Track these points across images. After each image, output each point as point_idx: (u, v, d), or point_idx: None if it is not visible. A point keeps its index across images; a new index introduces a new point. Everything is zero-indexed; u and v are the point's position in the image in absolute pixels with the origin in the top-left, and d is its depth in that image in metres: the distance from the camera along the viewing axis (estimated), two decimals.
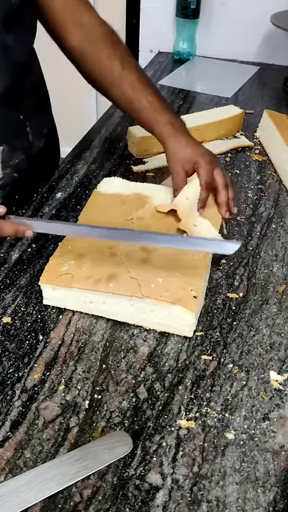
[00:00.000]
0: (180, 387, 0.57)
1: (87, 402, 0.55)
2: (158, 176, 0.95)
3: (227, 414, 0.54)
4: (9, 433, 0.51)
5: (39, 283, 0.64)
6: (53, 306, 0.66)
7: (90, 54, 0.78)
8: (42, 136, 0.84)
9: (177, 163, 0.74)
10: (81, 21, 0.77)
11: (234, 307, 0.67)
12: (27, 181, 0.85)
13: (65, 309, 0.66)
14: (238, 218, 0.84)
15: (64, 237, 0.70)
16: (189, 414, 0.54)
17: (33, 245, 0.76)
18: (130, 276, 0.63)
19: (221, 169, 0.75)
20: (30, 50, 0.79)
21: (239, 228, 0.82)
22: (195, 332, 0.63)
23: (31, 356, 0.59)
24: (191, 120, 1.06)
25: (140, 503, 0.46)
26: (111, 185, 0.82)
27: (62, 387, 0.56)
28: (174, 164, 0.75)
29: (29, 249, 0.75)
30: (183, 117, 1.09)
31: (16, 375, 0.57)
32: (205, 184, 0.72)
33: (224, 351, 0.61)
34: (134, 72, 0.77)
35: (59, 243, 0.69)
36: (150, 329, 0.63)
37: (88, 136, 1.09)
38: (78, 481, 0.47)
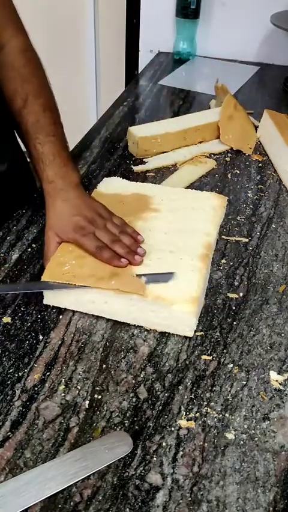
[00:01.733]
0: (180, 387, 0.57)
1: (87, 402, 0.55)
2: (158, 176, 0.95)
3: (227, 414, 0.54)
4: (9, 433, 0.51)
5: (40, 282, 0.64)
6: (53, 306, 0.66)
7: (2, 79, 0.74)
8: (4, 159, 0.81)
9: (50, 230, 0.69)
10: (2, 43, 0.73)
11: (234, 307, 0.67)
12: None
13: (65, 309, 0.66)
14: (238, 218, 0.85)
15: None
16: (189, 414, 0.54)
17: (33, 245, 0.76)
18: (131, 275, 0.63)
19: (105, 224, 0.68)
20: None
21: (239, 228, 0.82)
22: (195, 332, 0.63)
23: (31, 356, 0.59)
24: (190, 120, 1.06)
25: (140, 503, 0.46)
26: (111, 185, 0.82)
27: (62, 387, 0.56)
28: (47, 230, 0.70)
29: (29, 249, 0.75)
30: (183, 117, 1.10)
31: (16, 375, 0.57)
32: (94, 253, 0.66)
33: (224, 351, 0.61)
34: (34, 112, 0.73)
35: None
36: (150, 329, 0.63)
37: (88, 136, 1.09)
38: (78, 481, 0.47)
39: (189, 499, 0.47)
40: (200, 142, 1.06)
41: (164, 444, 0.51)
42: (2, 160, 0.79)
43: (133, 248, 0.66)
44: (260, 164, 1.01)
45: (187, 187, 0.91)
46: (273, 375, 0.58)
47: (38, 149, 0.72)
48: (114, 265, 0.64)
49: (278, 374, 0.59)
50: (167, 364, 0.59)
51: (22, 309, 0.65)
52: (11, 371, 0.58)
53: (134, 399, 0.55)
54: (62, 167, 0.72)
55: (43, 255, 0.70)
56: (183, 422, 0.53)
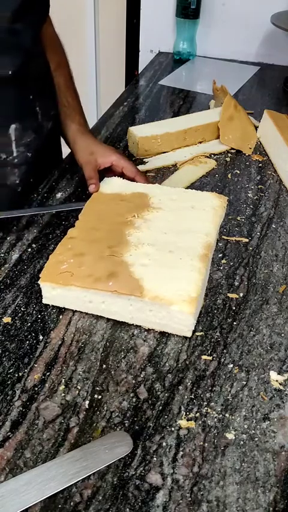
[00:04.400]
0: (180, 387, 0.57)
1: (87, 402, 0.55)
2: (158, 176, 0.95)
3: (227, 415, 0.54)
4: (9, 433, 0.51)
5: (38, 282, 0.64)
6: (53, 306, 0.66)
7: (45, 50, 0.90)
8: (50, 117, 0.89)
9: (90, 156, 0.85)
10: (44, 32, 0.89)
11: (234, 308, 0.67)
12: (40, 162, 0.89)
13: (65, 309, 0.66)
14: (238, 218, 0.85)
15: (64, 235, 0.70)
16: (189, 414, 0.54)
17: (33, 245, 0.76)
18: (129, 275, 0.63)
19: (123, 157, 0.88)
20: (38, 37, 0.85)
21: (239, 228, 0.82)
22: (195, 332, 0.63)
23: (31, 356, 0.59)
24: (190, 120, 1.06)
25: (140, 503, 0.46)
26: (111, 185, 0.82)
27: (62, 387, 0.56)
28: (87, 156, 0.85)
29: (29, 249, 0.75)
30: (183, 117, 1.10)
31: (16, 375, 0.57)
32: (136, 172, 0.84)
33: (224, 351, 0.61)
34: (63, 75, 0.92)
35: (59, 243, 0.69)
36: (150, 329, 0.63)
37: None
38: (78, 481, 0.47)
39: (189, 499, 0.47)
40: (200, 142, 1.06)
41: (164, 444, 0.51)
42: (48, 116, 0.89)
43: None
44: (260, 164, 1.01)
45: (187, 187, 0.91)
46: (273, 375, 0.58)
47: (66, 101, 0.91)
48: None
49: (278, 374, 0.59)
50: (167, 364, 0.59)
51: (22, 309, 0.66)
52: (11, 371, 0.58)
53: (134, 399, 0.55)
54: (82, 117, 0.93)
55: (86, 177, 0.82)
56: (183, 422, 0.53)
